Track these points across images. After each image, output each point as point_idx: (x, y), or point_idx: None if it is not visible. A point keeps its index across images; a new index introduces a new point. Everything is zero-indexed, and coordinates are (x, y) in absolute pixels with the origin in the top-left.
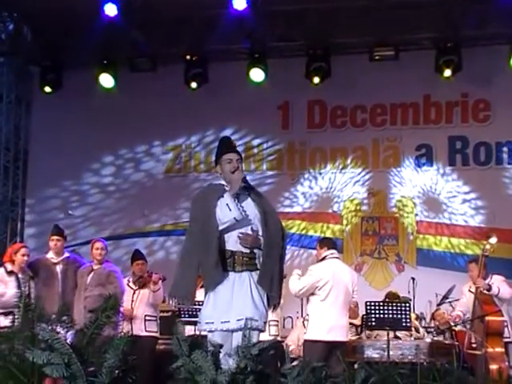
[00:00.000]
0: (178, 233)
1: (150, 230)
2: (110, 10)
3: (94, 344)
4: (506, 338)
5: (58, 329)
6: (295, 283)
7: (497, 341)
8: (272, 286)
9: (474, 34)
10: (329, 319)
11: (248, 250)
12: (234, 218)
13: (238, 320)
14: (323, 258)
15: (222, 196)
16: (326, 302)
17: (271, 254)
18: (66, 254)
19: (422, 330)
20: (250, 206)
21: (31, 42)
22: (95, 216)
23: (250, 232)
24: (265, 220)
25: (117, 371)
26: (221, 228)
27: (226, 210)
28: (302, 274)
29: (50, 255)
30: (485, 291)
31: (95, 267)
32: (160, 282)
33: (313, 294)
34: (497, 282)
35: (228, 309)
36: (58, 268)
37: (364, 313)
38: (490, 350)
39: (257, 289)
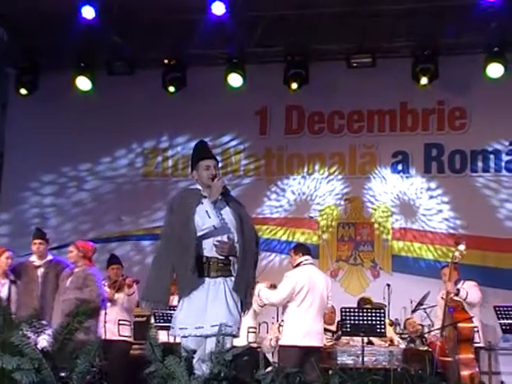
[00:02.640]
0: (154, 237)
1: (127, 234)
2: (88, 12)
3: (66, 349)
4: (477, 343)
5: (29, 334)
6: (272, 294)
7: (468, 347)
8: (247, 293)
9: (451, 42)
10: (304, 324)
11: (223, 257)
12: (213, 226)
13: (212, 326)
14: (298, 264)
15: (201, 202)
16: (301, 307)
17: (246, 261)
18: (50, 257)
19: (396, 339)
20: (227, 213)
21: (7, 43)
22: (71, 220)
23: (226, 240)
24: (241, 227)
25: (88, 376)
26: (199, 234)
27: (205, 217)
28: (277, 281)
29: (33, 258)
30: (453, 295)
31: (75, 270)
32: (134, 285)
33: (289, 300)
34: (467, 287)
35: (202, 314)
36: (39, 271)
37: (339, 319)
38: (462, 356)
39: (231, 295)
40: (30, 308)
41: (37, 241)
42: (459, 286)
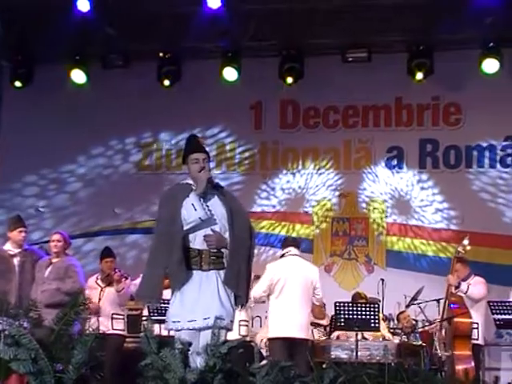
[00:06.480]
0: (148, 231)
1: (121, 228)
2: (83, 5)
3: (62, 340)
4: (475, 339)
5: (25, 324)
6: (255, 289)
7: (464, 343)
8: (239, 286)
9: (447, 37)
10: (285, 316)
11: (215, 249)
12: (199, 218)
13: (205, 319)
14: (282, 256)
15: (188, 196)
16: (280, 299)
17: (237, 254)
18: (24, 246)
19: (387, 334)
20: (216, 205)
21: (2, 36)
22: (65, 213)
23: (211, 233)
24: (231, 219)
25: (84, 368)
26: (186, 228)
27: (191, 210)
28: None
29: (8, 247)
30: (454, 289)
31: (54, 260)
32: (124, 280)
33: (270, 292)
34: (474, 283)
35: (195, 308)
36: (16, 260)
37: (333, 313)
38: (457, 352)
39: (224, 288)
40: (8, 297)
41: (22, 229)
42: (468, 281)
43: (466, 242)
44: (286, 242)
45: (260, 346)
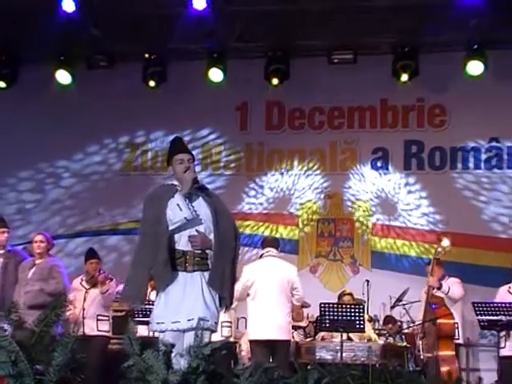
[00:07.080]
0: (132, 232)
1: (104, 229)
2: (68, 5)
3: (43, 342)
4: (456, 339)
5: (6, 326)
6: None
7: (448, 344)
8: (223, 287)
9: (431, 39)
10: (263, 318)
11: (200, 251)
12: (185, 218)
13: (189, 320)
14: (260, 257)
15: (173, 196)
16: (257, 300)
17: (222, 255)
18: (7, 247)
19: (373, 336)
20: (201, 206)
21: None
22: (49, 214)
23: (195, 233)
24: (216, 220)
25: (65, 370)
26: (171, 228)
27: (176, 210)
28: None
29: None
30: (435, 290)
31: (37, 261)
32: (108, 282)
33: (247, 294)
34: (451, 284)
35: (179, 309)
36: None
37: (318, 314)
38: (441, 352)
39: (208, 289)
40: None
41: (4, 229)
42: (443, 282)
43: (445, 243)
44: (265, 242)
45: (243, 348)
